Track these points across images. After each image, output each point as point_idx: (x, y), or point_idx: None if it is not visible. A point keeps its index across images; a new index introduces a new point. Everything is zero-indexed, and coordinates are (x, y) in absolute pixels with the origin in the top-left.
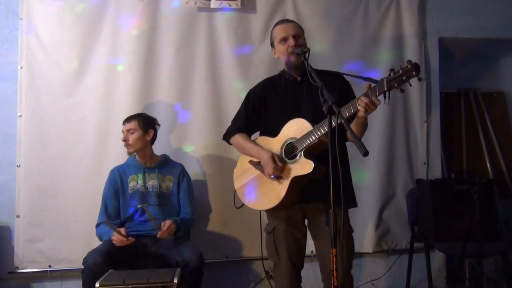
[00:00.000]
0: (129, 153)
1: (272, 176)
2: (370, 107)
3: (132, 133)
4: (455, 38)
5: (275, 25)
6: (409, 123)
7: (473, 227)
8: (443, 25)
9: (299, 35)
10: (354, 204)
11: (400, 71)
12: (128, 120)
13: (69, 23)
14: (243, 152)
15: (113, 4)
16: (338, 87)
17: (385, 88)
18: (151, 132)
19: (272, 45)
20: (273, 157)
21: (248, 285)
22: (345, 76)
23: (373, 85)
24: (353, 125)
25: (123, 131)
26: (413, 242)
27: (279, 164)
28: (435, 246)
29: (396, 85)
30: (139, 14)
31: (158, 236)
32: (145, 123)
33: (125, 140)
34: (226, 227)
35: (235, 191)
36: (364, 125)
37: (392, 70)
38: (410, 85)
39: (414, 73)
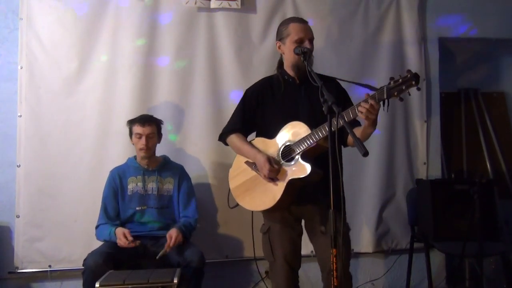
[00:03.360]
0: (143, 158)
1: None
2: (371, 111)
3: (152, 137)
4: (455, 38)
5: (291, 21)
6: (409, 123)
7: (473, 227)
8: (443, 25)
9: (312, 39)
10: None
11: (400, 80)
12: (147, 122)
13: (69, 23)
14: (239, 153)
15: (113, 4)
16: (336, 92)
17: (385, 96)
18: (161, 136)
19: (281, 40)
20: (268, 159)
21: (248, 285)
22: (345, 82)
23: (372, 92)
24: (357, 134)
25: (139, 133)
26: (413, 242)
27: (275, 167)
28: (435, 246)
29: (395, 93)
30: (139, 14)
31: (167, 250)
32: (159, 128)
33: (146, 144)
34: (226, 227)
35: (229, 190)
36: (367, 137)
37: (392, 78)
38: (409, 94)
39: (413, 82)
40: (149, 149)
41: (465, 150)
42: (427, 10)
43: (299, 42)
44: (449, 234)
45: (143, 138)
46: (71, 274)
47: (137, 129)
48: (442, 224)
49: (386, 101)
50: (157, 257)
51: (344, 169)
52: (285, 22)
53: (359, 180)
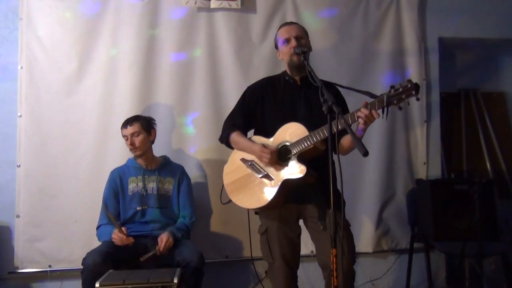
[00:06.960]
0: (137, 157)
1: (263, 174)
2: (370, 118)
3: (137, 135)
4: (455, 38)
5: (279, 28)
6: (409, 123)
7: (473, 227)
8: (443, 25)
9: (301, 36)
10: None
11: (400, 89)
12: (129, 123)
13: (69, 23)
14: (238, 149)
15: (113, 4)
16: (334, 97)
17: (385, 104)
18: (153, 132)
19: (276, 47)
20: (264, 146)
21: (248, 285)
22: (344, 89)
23: (371, 99)
24: (348, 139)
25: (125, 136)
26: (413, 242)
27: (271, 149)
28: (435, 246)
29: (395, 102)
30: (139, 14)
31: (158, 255)
32: (147, 124)
33: (131, 144)
34: (226, 227)
35: (222, 186)
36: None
37: (392, 87)
38: (408, 104)
39: (413, 92)
40: (138, 147)
41: (465, 150)
42: (427, 10)
43: (287, 42)
44: (449, 234)
45: (129, 139)
46: (71, 274)
47: (123, 132)
48: (442, 224)
49: (385, 109)
50: (142, 259)
51: (344, 169)
52: (276, 32)
53: (359, 180)
